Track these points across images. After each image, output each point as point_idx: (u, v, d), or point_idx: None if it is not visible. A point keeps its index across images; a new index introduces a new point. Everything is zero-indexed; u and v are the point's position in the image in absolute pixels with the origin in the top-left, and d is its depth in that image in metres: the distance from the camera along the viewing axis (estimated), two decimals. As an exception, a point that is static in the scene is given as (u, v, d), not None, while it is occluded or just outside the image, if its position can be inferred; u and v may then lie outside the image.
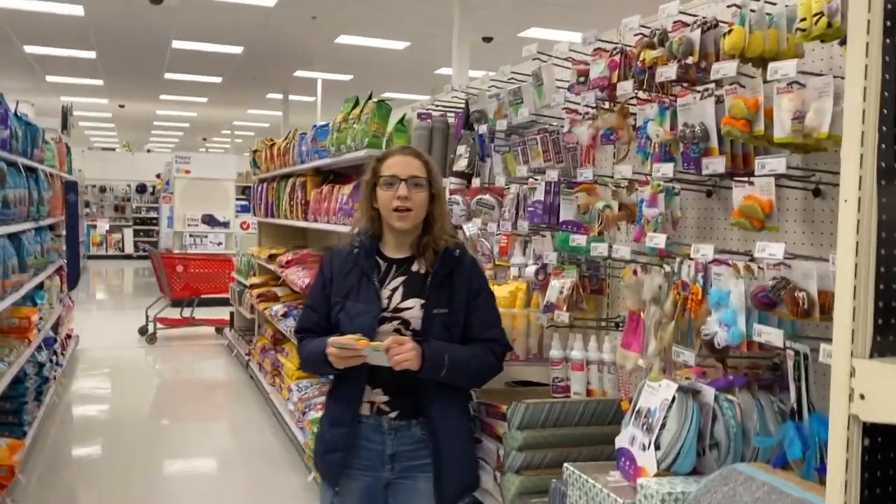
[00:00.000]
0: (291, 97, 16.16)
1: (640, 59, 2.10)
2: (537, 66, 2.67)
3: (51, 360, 5.90)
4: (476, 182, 3.06)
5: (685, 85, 1.98)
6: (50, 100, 16.33)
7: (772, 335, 1.65)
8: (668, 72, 1.97)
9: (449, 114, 3.66)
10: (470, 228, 3.12)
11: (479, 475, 2.29)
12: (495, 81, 3.02)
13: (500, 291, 2.63)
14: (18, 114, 4.72)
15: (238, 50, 12.14)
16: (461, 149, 3.21)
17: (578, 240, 2.33)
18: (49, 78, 14.85)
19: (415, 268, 2.24)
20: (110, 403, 6.59)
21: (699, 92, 1.91)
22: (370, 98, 4.01)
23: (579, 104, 2.45)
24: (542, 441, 2.17)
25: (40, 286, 5.51)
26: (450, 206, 3.23)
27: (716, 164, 1.84)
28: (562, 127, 2.60)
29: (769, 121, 1.69)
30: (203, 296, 9.36)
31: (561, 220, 2.48)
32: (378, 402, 2.20)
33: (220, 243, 12.06)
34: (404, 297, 2.20)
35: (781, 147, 1.70)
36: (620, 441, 1.90)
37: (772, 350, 1.77)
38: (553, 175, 2.47)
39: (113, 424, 5.95)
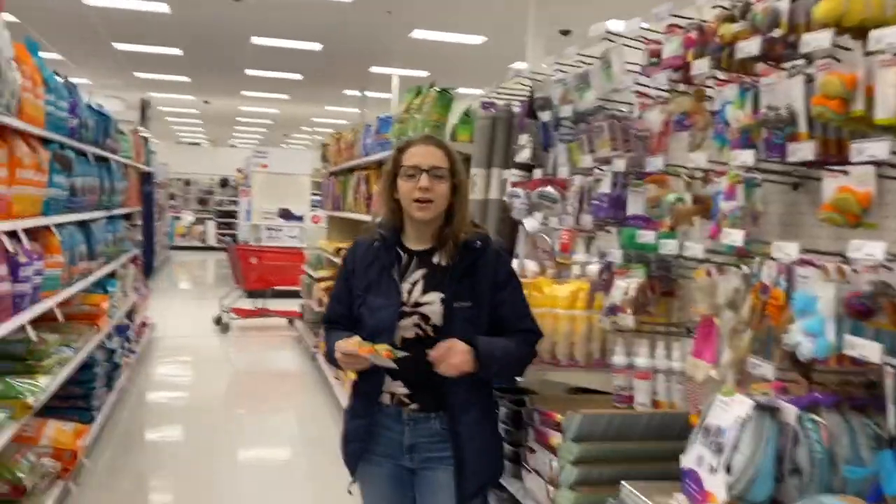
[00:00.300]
0: (368, 94, 16.23)
1: (719, 34, 1.88)
2: (606, 47, 2.47)
3: (123, 347, 6.02)
4: (538, 173, 2.88)
5: (769, 62, 1.75)
6: (139, 95, 16.91)
7: (867, 348, 1.42)
8: (750, 47, 1.74)
9: (514, 103, 3.48)
10: (530, 223, 2.93)
11: (502, 465, 2.25)
12: (561, 65, 2.82)
13: (559, 291, 2.44)
14: (91, 104, 4.80)
15: (317, 46, 12.23)
16: (523, 138, 3.03)
17: (646, 236, 2.13)
18: (138, 74, 15.37)
19: (435, 259, 2.17)
20: (181, 391, 6.70)
21: (785, 69, 1.68)
22: (432, 87, 3.86)
23: (651, 87, 2.23)
24: (600, 455, 1.98)
25: (112, 274, 5.62)
26: (510, 199, 3.06)
27: (804, 151, 1.61)
28: (631, 113, 2.39)
29: (869, 99, 1.45)
30: (276, 287, 9.48)
31: (628, 214, 2.27)
32: (399, 393, 2.14)
33: (294, 237, 12.20)
34: (424, 291, 2.13)
35: (883, 130, 1.45)
36: (686, 461, 1.69)
37: (866, 365, 1.53)
38: (620, 165, 2.27)
39: (183, 411, 6.03)
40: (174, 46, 12.56)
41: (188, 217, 20.83)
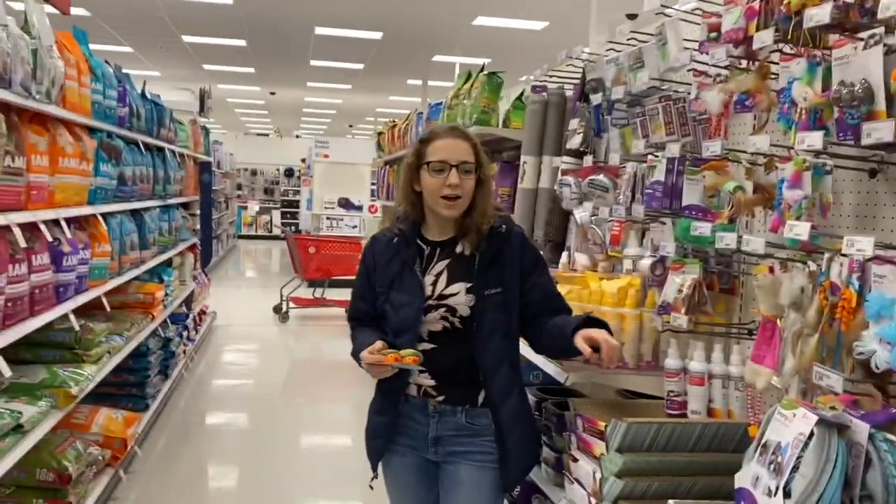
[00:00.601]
0: (430, 83, 16.12)
1: (784, 2, 1.67)
2: (661, 22, 2.27)
3: (180, 335, 6.08)
4: (588, 161, 2.70)
5: (843, 32, 1.54)
6: (207, 87, 17.23)
7: (955, 361, 1.21)
8: (820, 15, 1.54)
9: (567, 86, 3.30)
10: (580, 213, 2.76)
11: (540, 445, 2.24)
12: (614, 45, 2.63)
13: (607, 287, 2.26)
14: (146, 94, 4.82)
15: (378, 35, 12.19)
16: (574, 123, 2.85)
17: (702, 228, 1.93)
18: (206, 66, 15.65)
19: (458, 249, 2.10)
20: (239, 379, 6.75)
21: (862, 40, 1.47)
22: (482, 70, 3.70)
23: (709, 65, 2.03)
24: (648, 467, 1.81)
25: (169, 263, 5.67)
26: (560, 188, 2.89)
27: (881, 132, 1.40)
28: (688, 93, 2.19)
29: (963, 70, 1.24)
30: (334, 277, 9.49)
31: (683, 204, 2.08)
32: (425, 385, 2.09)
33: (354, 226, 12.23)
34: (449, 283, 2.06)
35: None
36: (741, 479, 1.51)
37: (954, 380, 1.32)
38: (675, 150, 2.08)
39: (240, 400, 6.08)
40: (238, 38, 12.70)
41: (254, 206, 21.21)
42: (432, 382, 2.07)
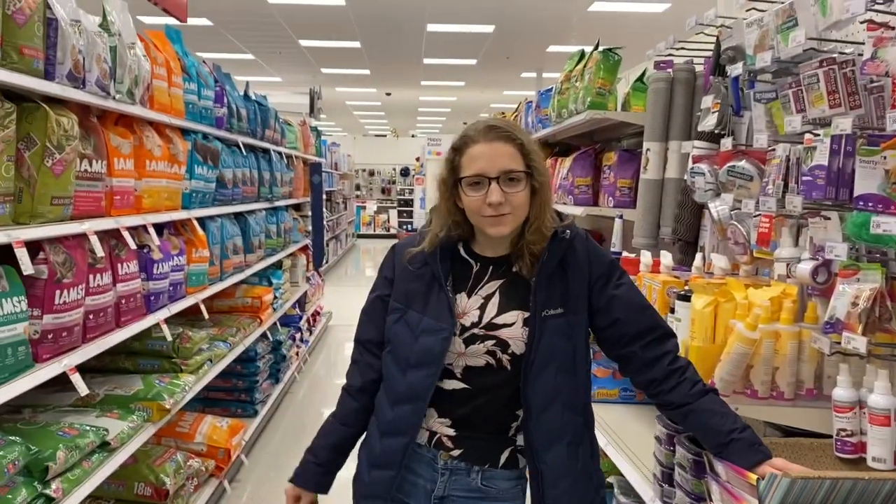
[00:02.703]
0: (545, 75, 15.66)
1: None
2: (821, -34, 1.82)
3: (293, 338, 6.02)
4: (727, 144, 2.26)
5: None
6: (326, 90, 17.55)
7: None
8: None
9: (697, 61, 2.87)
10: (718, 207, 2.33)
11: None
12: (756, 4, 2.18)
13: (756, 297, 1.84)
14: (249, 94, 4.73)
15: (490, 28, 11.90)
16: (708, 100, 2.42)
17: (885, 224, 1.49)
18: (324, 70, 15.90)
19: (515, 268, 1.69)
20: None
21: None
22: (596, 48, 3.30)
23: (890, 13, 1.58)
24: (816, 537, 1.39)
25: (278, 265, 5.60)
26: (692, 177, 2.47)
27: None
28: (859, 55, 1.73)
29: None
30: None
31: (856, 193, 1.63)
32: (441, 433, 1.70)
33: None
34: (501, 309, 1.66)
35: None
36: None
37: None
38: (844, 125, 1.63)
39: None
40: (352, 39, 12.77)
41: (372, 206, 21.51)
42: (452, 432, 1.69)
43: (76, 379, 2.22)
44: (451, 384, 1.68)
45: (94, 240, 2.30)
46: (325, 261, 9.29)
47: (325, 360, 7.19)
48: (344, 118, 23.64)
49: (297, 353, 6.18)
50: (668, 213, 2.88)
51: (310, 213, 6.96)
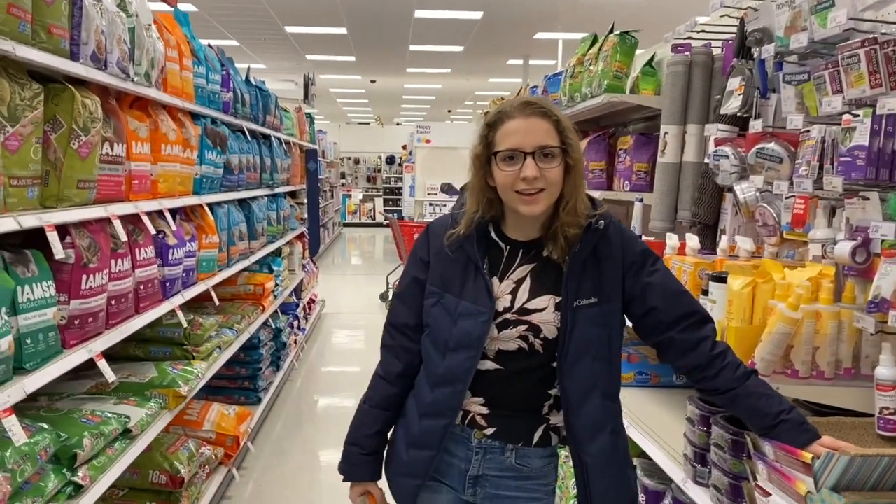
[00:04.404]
0: (532, 62, 15.63)
1: None
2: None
3: (291, 326, 5.99)
4: (756, 126, 2.27)
5: None
6: (311, 74, 17.38)
7: None
8: None
9: (715, 44, 2.87)
10: (746, 190, 2.33)
11: (636, 495, 1.83)
12: (786, -16, 2.18)
13: (795, 278, 1.85)
14: (251, 79, 4.67)
15: (478, 15, 11.84)
16: (734, 83, 2.42)
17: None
18: (309, 57, 15.75)
19: (546, 252, 1.67)
20: (349, 366, 6.62)
21: None
22: (612, 31, 3.29)
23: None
24: (873, 513, 1.41)
25: (278, 253, 5.56)
26: (715, 160, 2.47)
27: None
28: (901, 34, 1.74)
29: None
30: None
31: (900, 173, 1.65)
32: (475, 412, 1.70)
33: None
34: (532, 294, 1.65)
35: None
36: None
37: None
38: (894, 105, 1.64)
39: (352, 387, 5.92)
40: (339, 26, 12.65)
41: (358, 195, 21.42)
42: (485, 411, 1.69)
43: (103, 365, 2.19)
44: (485, 364, 1.67)
45: (118, 224, 2.26)
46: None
47: (321, 347, 7.18)
48: (327, 106, 23.46)
49: (295, 341, 6.16)
50: (685, 197, 2.89)
51: (305, 201, 6.90)
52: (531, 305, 1.65)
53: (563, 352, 1.63)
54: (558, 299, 1.64)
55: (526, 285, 1.66)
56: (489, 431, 1.70)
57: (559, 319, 1.63)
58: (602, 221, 1.66)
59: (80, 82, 2.16)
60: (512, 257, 1.69)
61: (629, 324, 1.78)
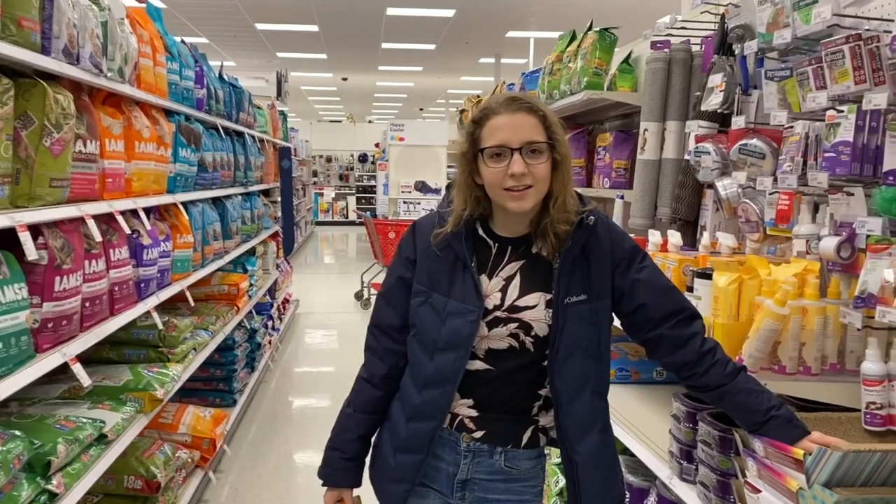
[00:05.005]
0: (504, 60, 15.67)
1: None
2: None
3: (265, 326, 5.92)
4: (739, 122, 2.27)
5: None
6: (284, 71, 17.23)
7: None
8: None
9: (694, 41, 2.88)
10: (728, 186, 2.34)
11: (623, 492, 1.82)
12: (769, -20, 2.18)
13: (781, 274, 1.85)
14: (224, 76, 4.59)
15: (450, 13, 11.82)
16: (715, 79, 2.42)
17: (921, 198, 1.51)
18: (280, 54, 15.61)
19: (535, 249, 1.65)
20: (324, 367, 6.56)
21: None
22: (591, 28, 3.29)
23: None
24: (865, 508, 1.41)
25: (252, 252, 5.48)
26: (697, 156, 2.48)
27: None
28: (886, 32, 1.75)
29: None
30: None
31: (885, 168, 1.66)
32: (463, 415, 1.67)
33: (432, 210, 11.93)
34: (523, 291, 1.63)
35: None
36: None
37: None
38: (879, 100, 1.64)
39: (327, 387, 5.88)
40: (310, 23, 12.55)
41: (330, 193, 21.28)
42: (474, 413, 1.66)
43: (78, 369, 2.13)
44: (474, 364, 1.65)
45: (92, 224, 2.19)
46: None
47: (295, 348, 7.11)
48: (298, 103, 23.29)
49: (269, 342, 6.08)
50: (665, 194, 2.89)
51: (279, 199, 6.82)
52: (522, 303, 1.63)
53: (553, 349, 1.61)
54: (549, 296, 1.62)
55: (516, 282, 1.64)
56: (478, 434, 1.67)
57: (550, 317, 1.61)
58: (592, 217, 1.64)
59: (51, 77, 2.09)
60: (500, 254, 1.67)
61: (616, 322, 1.78)
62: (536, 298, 1.63)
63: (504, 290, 1.64)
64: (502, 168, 1.56)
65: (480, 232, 1.69)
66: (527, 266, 1.65)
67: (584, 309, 1.63)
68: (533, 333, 1.62)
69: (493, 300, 1.64)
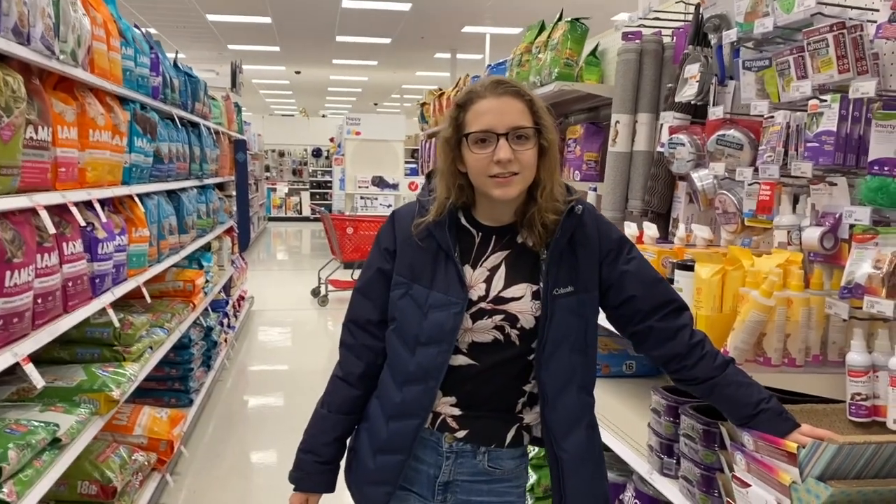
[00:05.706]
0: (459, 56, 15.63)
1: None
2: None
3: (221, 324, 5.76)
4: (716, 113, 2.25)
5: None
6: (238, 62, 16.89)
7: None
8: None
9: (665, 33, 2.86)
10: (704, 178, 2.33)
11: (607, 489, 1.74)
12: (746, -31, 2.17)
13: (764, 265, 1.83)
14: (178, 64, 4.43)
15: (406, 7, 11.72)
16: (691, 70, 2.40)
17: (909, 187, 1.50)
18: (230, 46, 15.28)
19: (520, 239, 1.60)
20: (281, 365, 6.42)
21: None
22: (561, 18, 3.25)
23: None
24: (860, 500, 1.39)
25: (207, 247, 5.32)
26: (671, 148, 2.46)
27: None
28: (869, 21, 1.75)
29: None
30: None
31: (871, 158, 1.64)
32: (446, 413, 1.61)
33: (389, 205, 11.80)
34: (508, 282, 1.57)
35: None
36: None
37: None
38: (867, 88, 1.63)
39: (283, 387, 5.75)
40: (263, 15, 12.30)
41: (283, 188, 20.96)
42: (457, 412, 1.60)
43: (30, 369, 1.99)
44: (458, 360, 1.58)
45: (45, 215, 2.06)
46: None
47: (251, 346, 6.94)
48: (249, 97, 22.84)
49: (225, 340, 5.92)
50: (637, 186, 2.87)
51: (234, 194, 6.64)
52: (507, 294, 1.57)
53: (541, 342, 1.56)
54: (535, 287, 1.57)
55: (501, 273, 1.58)
56: (461, 434, 1.61)
57: (538, 308, 1.56)
58: (580, 206, 1.60)
59: (0, 58, 1.95)
60: (484, 244, 1.61)
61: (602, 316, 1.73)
62: (522, 290, 1.57)
63: (489, 281, 1.58)
64: (487, 154, 1.50)
65: (463, 221, 1.63)
66: (511, 256, 1.60)
67: (572, 301, 1.58)
68: (519, 326, 1.57)
69: (477, 291, 1.58)
